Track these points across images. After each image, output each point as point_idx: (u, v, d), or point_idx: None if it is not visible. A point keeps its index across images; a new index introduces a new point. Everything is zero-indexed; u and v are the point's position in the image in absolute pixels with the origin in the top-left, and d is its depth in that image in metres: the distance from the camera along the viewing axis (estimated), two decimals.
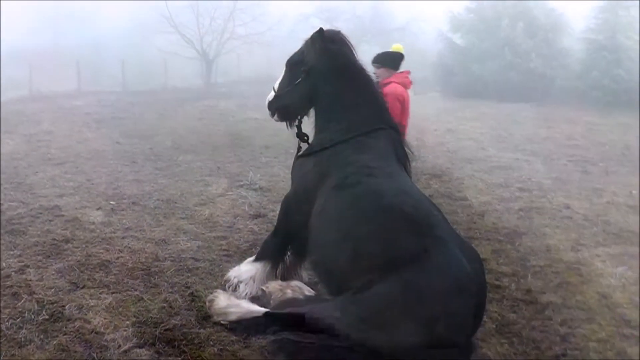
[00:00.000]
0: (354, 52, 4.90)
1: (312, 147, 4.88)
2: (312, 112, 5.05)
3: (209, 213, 7.46)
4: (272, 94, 5.10)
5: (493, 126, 15.74)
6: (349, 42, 4.90)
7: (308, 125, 5.13)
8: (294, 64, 4.96)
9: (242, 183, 9.06)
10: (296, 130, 5.14)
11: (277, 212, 7.33)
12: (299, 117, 5.11)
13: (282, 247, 4.98)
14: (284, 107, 5.05)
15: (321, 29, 4.86)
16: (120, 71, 25.39)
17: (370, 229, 4.09)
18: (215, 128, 15.27)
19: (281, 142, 12.71)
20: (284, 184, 8.95)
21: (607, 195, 9.01)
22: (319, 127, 4.93)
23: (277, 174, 9.85)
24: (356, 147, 4.56)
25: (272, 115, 5.18)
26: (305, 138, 5.11)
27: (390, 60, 6.81)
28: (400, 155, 4.71)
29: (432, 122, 16.13)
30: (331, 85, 4.76)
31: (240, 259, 5.78)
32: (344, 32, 5.04)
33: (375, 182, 4.33)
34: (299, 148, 5.16)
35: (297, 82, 4.89)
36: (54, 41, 33.43)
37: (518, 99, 21.06)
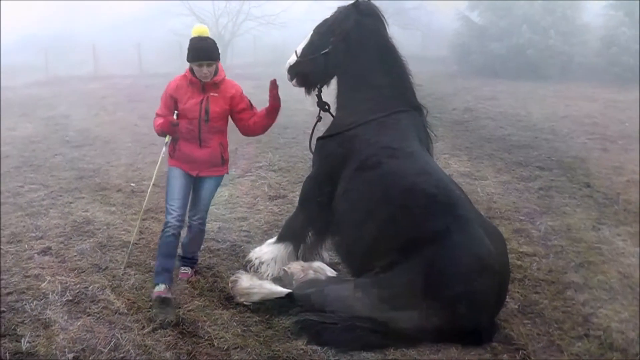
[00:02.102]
0: (386, 28, 4.81)
1: (333, 127, 4.83)
2: (333, 81, 4.99)
3: (229, 194, 7.46)
4: (293, 58, 5.02)
5: (511, 105, 15.56)
6: (383, 17, 4.80)
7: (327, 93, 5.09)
8: (323, 32, 4.85)
9: (260, 164, 9.06)
10: (316, 99, 5.07)
11: (297, 193, 7.44)
12: (319, 86, 5.03)
13: (304, 228, 4.96)
14: (305, 74, 4.98)
15: (357, 0, 4.76)
16: (136, 54, 25.36)
17: (392, 209, 4.08)
18: None
19: (299, 122, 12.67)
20: (303, 165, 8.95)
21: (627, 173, 8.89)
22: (341, 102, 4.86)
23: (296, 154, 9.81)
24: (378, 129, 4.52)
25: (291, 79, 5.11)
26: (327, 107, 5.04)
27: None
28: (422, 136, 4.67)
29: (450, 101, 15.99)
30: (359, 62, 4.68)
31: (261, 240, 5.80)
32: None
33: (397, 163, 4.30)
34: (319, 117, 5.10)
35: (323, 51, 4.79)
36: (69, 26, 33.37)
37: (536, 76, 20.82)
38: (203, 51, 4.72)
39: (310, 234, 5.00)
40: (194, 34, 4.84)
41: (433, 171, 4.36)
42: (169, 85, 5.07)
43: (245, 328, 4.21)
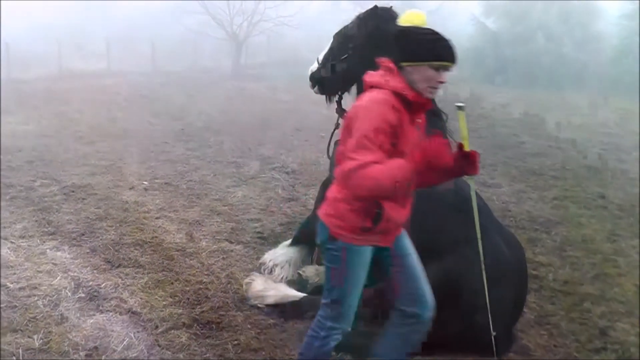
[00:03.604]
0: None
1: None
2: (353, 88, 4.97)
3: (242, 195, 7.43)
4: (315, 65, 4.97)
5: (526, 112, 15.50)
6: None
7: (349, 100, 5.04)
8: (343, 38, 4.80)
9: (274, 165, 9.02)
10: (336, 106, 5.04)
11: (310, 196, 7.43)
12: (340, 93, 4.99)
13: None
14: (326, 81, 4.92)
15: (375, 6, 4.69)
16: (150, 51, 25.40)
17: (412, 216, 4.03)
18: (246, 110, 15.21)
19: (312, 125, 12.63)
20: (316, 168, 8.93)
21: None
22: None
23: (309, 157, 9.77)
24: None
25: (313, 86, 5.06)
26: (345, 115, 5.01)
27: None
28: None
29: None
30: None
31: (275, 242, 5.77)
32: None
33: None
34: (337, 124, 5.07)
35: (343, 57, 4.74)
36: (83, 18, 33.39)
37: (550, 84, 20.74)
38: (449, 48, 3.07)
39: None
40: (410, 22, 3.26)
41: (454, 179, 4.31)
42: (381, 105, 3.00)
43: (259, 331, 4.18)
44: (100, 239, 5.78)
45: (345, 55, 4.75)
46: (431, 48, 3.01)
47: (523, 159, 10.28)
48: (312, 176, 8.47)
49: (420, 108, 3.13)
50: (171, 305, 4.49)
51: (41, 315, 4.30)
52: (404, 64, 3.05)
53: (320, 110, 14.13)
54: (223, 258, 5.44)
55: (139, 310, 4.41)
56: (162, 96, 17.44)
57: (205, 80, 21.45)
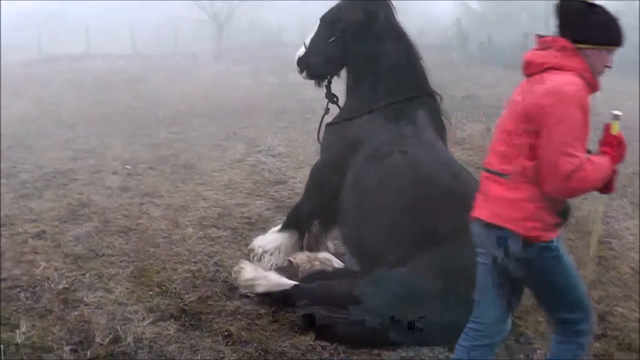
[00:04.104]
0: (394, 13, 4.63)
1: (342, 113, 4.66)
2: (343, 72, 4.82)
3: (228, 179, 7.26)
4: (302, 50, 4.84)
5: (511, 93, 15.38)
6: (390, 2, 4.63)
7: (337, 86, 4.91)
8: (329, 21, 4.69)
9: (260, 148, 8.85)
10: (325, 90, 4.89)
11: (298, 179, 7.28)
12: (329, 77, 4.86)
13: (310, 217, 4.77)
14: (315, 65, 4.80)
15: None
16: (130, 34, 25.01)
17: (406, 201, 3.90)
18: (229, 93, 15.01)
19: (297, 107, 12.50)
20: (303, 150, 8.77)
21: (631, 165, 8.70)
22: (350, 90, 4.70)
23: (295, 139, 9.61)
24: (390, 115, 4.34)
25: (301, 72, 4.92)
26: (335, 99, 4.88)
27: None
28: (437, 124, 4.49)
29: (450, 89, 15.77)
30: (367, 47, 4.51)
31: (263, 228, 5.63)
32: None
33: (411, 152, 4.12)
34: (327, 109, 4.94)
35: (331, 40, 4.63)
36: (62, 4, 32.85)
37: None
38: (620, 29, 2.80)
39: (315, 223, 4.83)
40: None
41: (449, 162, 4.19)
42: (580, 92, 2.70)
43: (250, 321, 4.01)
44: (84, 227, 5.59)
45: (334, 38, 4.64)
46: (617, 32, 2.78)
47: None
48: (299, 159, 8.32)
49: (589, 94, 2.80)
50: (158, 296, 4.32)
51: (23, 308, 4.11)
52: (583, 45, 2.73)
53: (304, 92, 14.08)
54: (210, 245, 5.27)
55: (125, 301, 4.23)
56: (144, 80, 17.17)
57: (186, 64, 21.20)
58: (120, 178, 7.23)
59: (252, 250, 4.92)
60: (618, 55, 2.89)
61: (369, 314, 3.74)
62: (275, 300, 4.19)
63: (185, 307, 4.15)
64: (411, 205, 3.86)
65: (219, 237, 5.45)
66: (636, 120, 11.53)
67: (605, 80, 2.96)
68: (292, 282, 4.18)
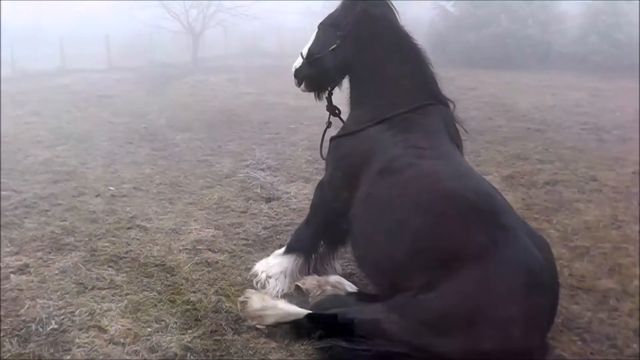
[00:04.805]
0: (397, 16, 4.35)
1: (349, 125, 4.33)
2: (345, 83, 4.52)
3: (218, 197, 6.90)
4: (299, 61, 4.56)
5: (495, 95, 15.22)
6: (392, 5, 4.34)
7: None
8: (329, 28, 4.41)
9: (247, 162, 8.50)
10: (326, 103, 4.59)
11: (292, 194, 6.95)
12: (329, 88, 4.55)
13: (316, 237, 4.44)
14: (315, 76, 4.52)
15: None
16: (104, 48, 24.52)
17: (428, 218, 3.55)
18: (209, 104, 14.64)
19: (279, 117, 12.21)
20: (292, 163, 8.50)
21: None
22: (355, 101, 4.38)
23: (283, 151, 9.29)
24: (402, 125, 4.02)
25: (299, 84, 4.63)
26: (337, 112, 4.58)
27: None
28: (452, 133, 4.18)
29: None
30: (372, 53, 4.21)
31: (262, 249, 5.33)
32: None
33: (429, 165, 3.79)
34: (329, 122, 4.63)
35: (331, 48, 4.33)
36: (35, 19, 32.29)
37: (515, 66, 20.55)
38: None
39: (322, 243, 4.49)
40: None
41: (469, 174, 3.87)
42: None
43: (262, 357, 3.65)
44: (70, 257, 5.18)
45: (334, 46, 4.35)
46: None
47: (503, 143, 9.93)
48: (290, 172, 8.00)
49: None
50: (158, 332, 3.93)
51: (8, 355, 3.71)
52: None
53: (285, 101, 13.73)
54: (208, 271, 4.89)
55: (121, 340, 3.84)
56: (121, 94, 16.74)
57: (163, 75, 20.76)
58: (104, 201, 6.82)
59: (255, 275, 4.58)
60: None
61: (394, 343, 3.41)
62: (288, 331, 3.84)
63: (189, 345, 3.78)
64: (435, 223, 3.52)
65: (216, 262, 5.07)
66: (636, 120, 11.43)
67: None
68: (304, 311, 3.83)
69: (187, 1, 24.58)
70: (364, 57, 4.25)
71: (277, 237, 5.65)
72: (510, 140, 10.16)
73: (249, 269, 4.79)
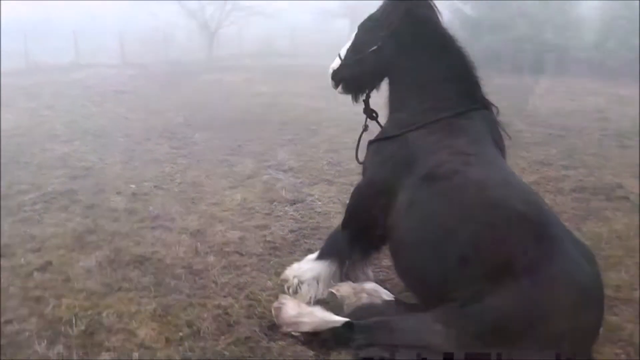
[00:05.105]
0: (441, 17, 4.21)
1: (389, 129, 4.18)
2: (384, 85, 4.38)
3: (242, 198, 6.78)
4: (337, 62, 4.41)
5: (514, 99, 15.03)
6: (435, 6, 4.19)
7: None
8: (370, 29, 4.25)
9: (269, 163, 8.39)
10: (363, 106, 4.45)
11: (316, 197, 6.83)
12: (367, 91, 4.42)
13: (351, 244, 4.28)
14: (353, 78, 4.36)
15: None
16: (118, 43, 24.46)
17: (477, 228, 3.40)
18: (226, 103, 14.54)
19: (297, 118, 12.10)
20: (314, 164, 8.37)
21: (628, 166, 8.43)
22: (394, 104, 4.23)
23: (304, 152, 9.16)
24: (447, 130, 3.87)
25: (336, 86, 4.48)
26: (374, 115, 4.44)
27: None
28: (496, 138, 4.04)
29: None
30: (415, 55, 4.06)
31: (290, 253, 5.23)
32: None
33: (476, 172, 3.64)
34: (366, 126, 4.49)
35: (372, 49, 4.18)
36: (48, 12, 32.27)
37: (532, 71, 20.37)
38: None
39: (357, 249, 4.35)
40: None
41: (516, 181, 3.73)
42: None
43: None
44: (94, 256, 5.06)
45: (375, 47, 4.20)
46: None
47: (527, 148, 9.77)
48: (313, 174, 7.87)
49: None
50: (190, 337, 3.81)
51: (35, 356, 3.60)
52: None
53: (302, 102, 13.62)
54: (237, 275, 4.76)
55: (152, 345, 3.72)
56: (135, 90, 16.67)
57: (177, 73, 20.69)
58: (125, 199, 6.72)
59: (286, 280, 4.44)
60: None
61: (439, 355, 3.28)
62: (325, 339, 3.69)
63: (223, 351, 3.65)
64: (484, 233, 3.38)
65: (245, 266, 4.94)
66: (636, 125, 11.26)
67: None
68: (342, 319, 3.69)
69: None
70: (406, 59, 4.10)
71: (305, 240, 5.52)
72: (532, 145, 10.01)
73: (279, 274, 4.66)
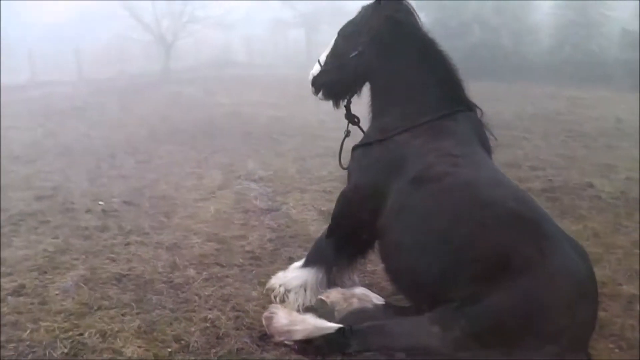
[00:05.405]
0: (420, 22, 4.20)
1: (373, 134, 4.13)
2: (365, 90, 4.35)
3: (215, 209, 6.66)
4: (317, 68, 4.39)
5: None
6: (414, 10, 4.18)
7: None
8: (349, 35, 4.24)
9: (238, 174, 8.30)
10: (345, 111, 4.41)
11: (290, 205, 6.76)
12: (348, 96, 4.38)
13: (337, 250, 4.21)
14: (333, 84, 4.34)
15: None
16: (74, 59, 24.06)
17: (470, 229, 3.37)
18: (187, 115, 14.39)
19: (260, 127, 12.06)
20: (283, 173, 8.33)
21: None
22: (377, 109, 4.19)
23: (272, 162, 9.11)
24: (433, 133, 3.85)
25: (316, 92, 4.45)
26: (356, 120, 4.40)
27: None
28: (483, 140, 4.04)
29: None
30: (397, 60, 4.04)
31: (271, 262, 5.13)
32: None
33: (465, 173, 3.62)
34: (348, 132, 4.45)
35: (352, 55, 4.15)
36: (2, 31, 31.63)
37: (488, 77, 20.63)
38: None
39: (344, 255, 4.28)
40: None
41: (505, 181, 3.73)
42: None
43: None
44: (69, 276, 4.87)
45: (356, 52, 4.18)
46: None
47: (493, 150, 9.82)
48: (284, 183, 7.81)
49: None
50: (179, 352, 3.68)
51: None
52: None
53: (262, 112, 13.55)
54: (220, 286, 4.64)
55: None
56: (94, 105, 16.40)
57: (135, 86, 20.45)
58: (95, 216, 6.53)
59: (272, 289, 4.36)
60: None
61: (437, 357, 3.22)
62: (319, 347, 3.60)
63: None
64: (478, 233, 3.34)
65: (226, 277, 4.82)
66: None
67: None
68: (336, 325, 3.61)
69: (158, 11, 24.22)
70: (388, 64, 4.07)
71: (285, 249, 5.44)
72: (498, 147, 9.99)
73: (263, 283, 4.58)
